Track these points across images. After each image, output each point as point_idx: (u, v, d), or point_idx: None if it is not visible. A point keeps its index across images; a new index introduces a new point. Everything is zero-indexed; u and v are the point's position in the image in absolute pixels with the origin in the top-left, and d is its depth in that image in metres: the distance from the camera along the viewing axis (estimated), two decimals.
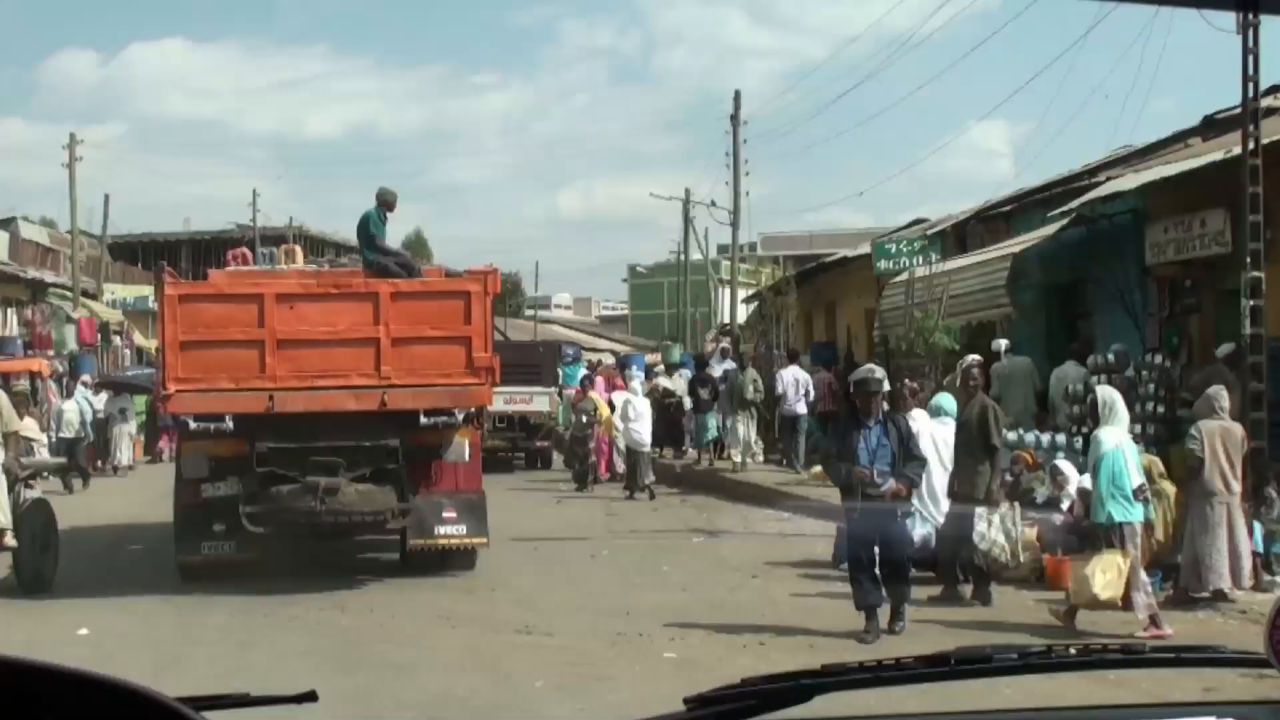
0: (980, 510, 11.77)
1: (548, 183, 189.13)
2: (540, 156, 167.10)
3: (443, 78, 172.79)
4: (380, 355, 12.63)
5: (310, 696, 2.30)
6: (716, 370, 25.09)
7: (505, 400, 23.80)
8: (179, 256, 61.72)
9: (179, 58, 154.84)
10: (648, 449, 22.07)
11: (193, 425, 12.68)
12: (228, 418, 12.52)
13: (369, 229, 13.67)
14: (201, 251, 61.08)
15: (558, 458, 27.84)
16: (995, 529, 11.85)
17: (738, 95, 40.69)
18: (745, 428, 22.83)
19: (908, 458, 10.49)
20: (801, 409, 23.03)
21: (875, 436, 10.37)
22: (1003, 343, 18.17)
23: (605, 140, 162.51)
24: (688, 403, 26.05)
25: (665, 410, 25.46)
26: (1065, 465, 13.72)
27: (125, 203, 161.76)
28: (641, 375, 28.39)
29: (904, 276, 22.63)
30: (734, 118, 40.18)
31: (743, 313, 43.34)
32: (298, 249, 16.13)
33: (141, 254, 60.40)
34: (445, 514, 13.19)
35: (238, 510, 12.48)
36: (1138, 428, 14.73)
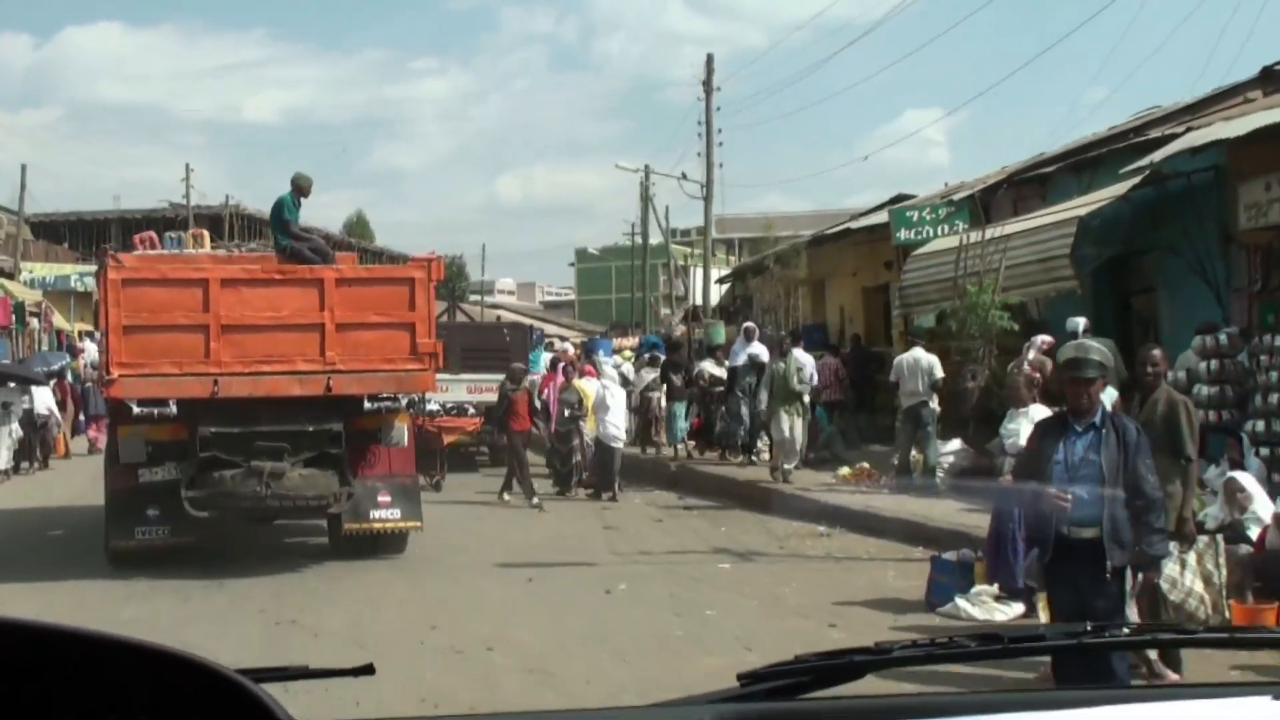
0: (1170, 547, 8.50)
1: (487, 169, 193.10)
2: (480, 142, 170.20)
3: (380, 63, 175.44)
4: (325, 341, 13.18)
5: (367, 670, 2.38)
6: (740, 356, 21.38)
7: (469, 389, 23.48)
8: (108, 236, 61.64)
9: (115, 42, 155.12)
10: (622, 444, 20.44)
11: (136, 410, 13.22)
12: (171, 402, 13.10)
13: (283, 214, 14.28)
14: (132, 231, 60.88)
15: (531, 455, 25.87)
16: (1191, 573, 9.35)
17: (710, 59, 39.72)
18: (792, 427, 19.19)
19: (1138, 501, 7.28)
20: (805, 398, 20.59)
21: (1082, 446, 7.34)
22: (1081, 321, 15.43)
23: (545, 126, 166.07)
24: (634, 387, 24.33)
25: (708, 401, 22.77)
26: (1246, 480, 11.23)
27: (61, 189, 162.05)
28: (614, 360, 27.53)
29: (935, 246, 20.59)
30: (707, 83, 39.22)
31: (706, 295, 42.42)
32: (205, 233, 16.88)
33: (69, 233, 60.33)
34: (380, 498, 13.82)
35: (173, 495, 13.00)
36: (1259, 424, 13.80)
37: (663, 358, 25.08)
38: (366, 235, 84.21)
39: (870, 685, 2.34)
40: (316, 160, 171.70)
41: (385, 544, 14.20)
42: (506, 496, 19.37)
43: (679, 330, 38.43)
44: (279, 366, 13.15)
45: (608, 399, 20.27)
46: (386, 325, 13.41)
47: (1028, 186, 21.40)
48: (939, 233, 21.30)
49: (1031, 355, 14.87)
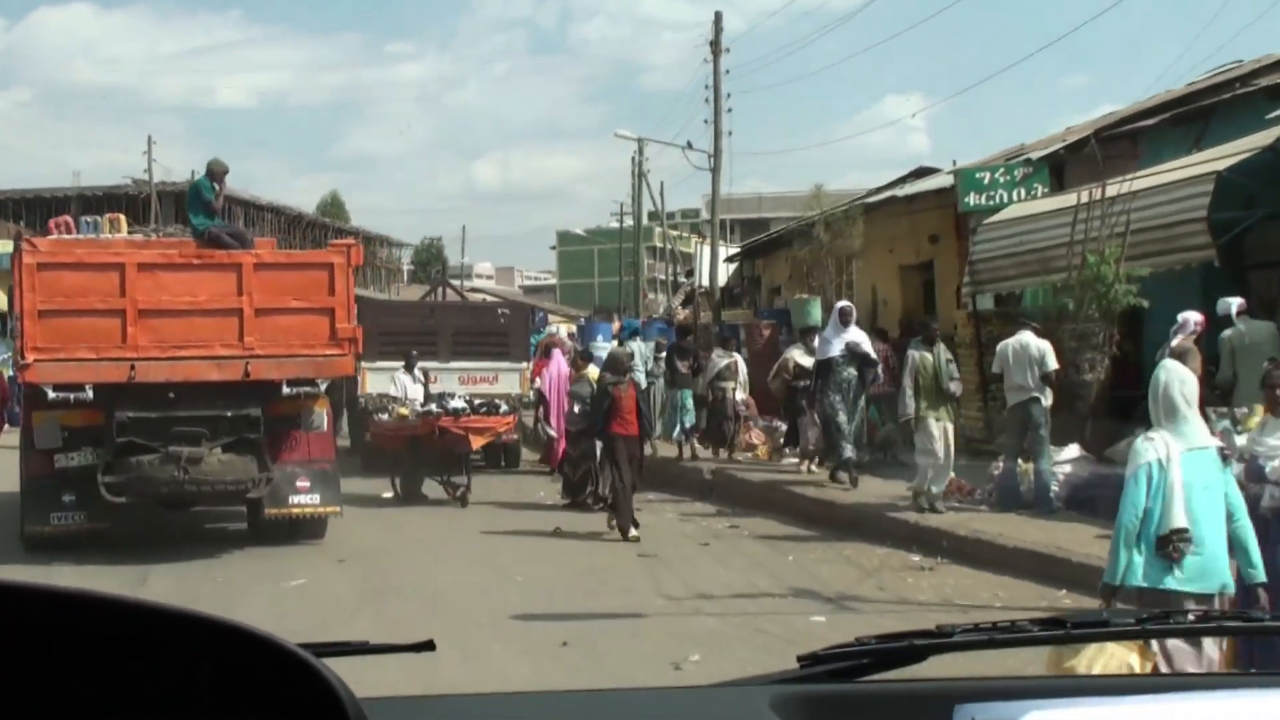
0: None
1: (464, 153, 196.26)
2: (457, 127, 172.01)
3: (356, 46, 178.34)
4: (244, 326, 13.77)
5: (428, 645, 2.43)
6: (833, 346, 16.95)
7: (460, 379, 21.98)
8: (66, 212, 62.00)
9: (87, 23, 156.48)
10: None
11: (51, 395, 13.82)
12: (88, 387, 13.65)
13: (202, 195, 14.88)
14: (93, 208, 61.51)
15: (527, 453, 23.59)
16: None
17: (718, 18, 37.67)
18: (945, 438, 15.08)
19: None
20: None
21: None
22: (1234, 302, 14.10)
23: (522, 111, 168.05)
24: (642, 378, 20.84)
25: (793, 397, 19.10)
26: None
27: (30, 171, 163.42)
28: (630, 346, 24.51)
29: (1013, 213, 18.60)
30: (714, 44, 37.33)
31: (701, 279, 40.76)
32: (122, 218, 17.35)
33: (25, 211, 60.80)
34: (299, 483, 14.41)
35: (90, 480, 13.51)
36: None
37: (646, 344, 24.30)
38: (341, 216, 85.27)
39: (931, 668, 2.40)
40: (290, 143, 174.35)
41: (304, 529, 14.81)
42: (633, 532, 15.08)
43: (681, 314, 37.93)
44: (197, 351, 13.73)
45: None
46: (305, 310, 14.01)
47: (1114, 144, 19.36)
48: (1014, 197, 19.48)
49: (1176, 341, 12.18)
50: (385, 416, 19.42)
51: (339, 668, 1.73)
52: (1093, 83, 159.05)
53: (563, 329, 33.04)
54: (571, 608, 11.34)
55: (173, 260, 14.05)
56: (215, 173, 15.23)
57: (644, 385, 21.15)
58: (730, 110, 37.10)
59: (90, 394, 13.71)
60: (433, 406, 18.84)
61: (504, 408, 19.64)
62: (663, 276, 70.56)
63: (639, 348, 23.57)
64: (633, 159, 59.21)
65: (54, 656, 1.65)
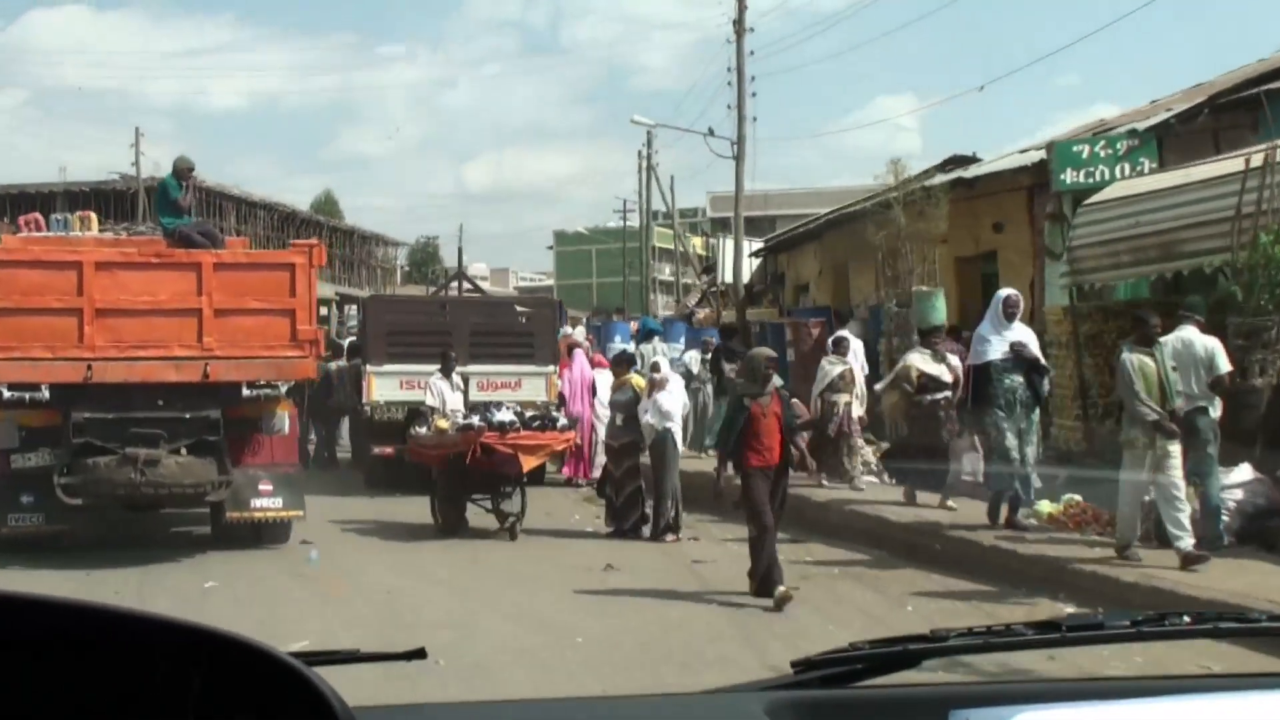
0: None
1: (456, 154, 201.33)
2: (448, 128, 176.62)
3: (348, 48, 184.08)
4: (203, 326, 14.05)
5: (419, 654, 2.51)
6: (994, 347, 13.91)
7: (479, 385, 19.66)
8: (53, 208, 62.53)
9: (80, 25, 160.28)
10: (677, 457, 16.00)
11: (6, 394, 14.13)
12: (43, 387, 13.96)
13: (169, 195, 15.26)
14: (79, 204, 61.91)
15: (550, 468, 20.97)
16: None
17: None
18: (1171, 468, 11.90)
19: None
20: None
21: None
22: None
23: (513, 112, 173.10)
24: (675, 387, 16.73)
25: (919, 418, 15.96)
26: None
27: (23, 171, 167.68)
28: (661, 347, 23.56)
29: (1119, 191, 17.00)
30: (738, 23, 35.70)
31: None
32: (93, 216, 17.60)
33: (9, 206, 61.19)
34: (262, 487, 14.67)
35: (47, 482, 13.75)
36: None
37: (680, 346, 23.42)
38: (335, 214, 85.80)
39: (926, 674, 2.43)
40: (283, 144, 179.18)
41: (268, 533, 15.08)
42: (780, 589, 11.56)
43: (701, 314, 35.63)
44: (155, 352, 14.00)
45: (660, 400, 15.77)
46: (266, 311, 14.29)
47: (1228, 114, 18.13)
48: (1117, 174, 17.95)
49: None
50: (422, 430, 16.51)
51: (331, 677, 1.79)
52: (1084, 82, 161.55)
53: (578, 330, 31.43)
54: (658, 684, 8.76)
55: (131, 259, 14.29)
56: (181, 170, 15.59)
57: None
58: (755, 95, 35.65)
59: (46, 394, 14.02)
60: (475, 419, 15.97)
61: (561, 421, 16.92)
62: (665, 277, 70.81)
63: (661, 350, 22.64)
64: (639, 152, 59.64)
65: (46, 665, 1.70)
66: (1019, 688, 2.55)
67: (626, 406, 16.14)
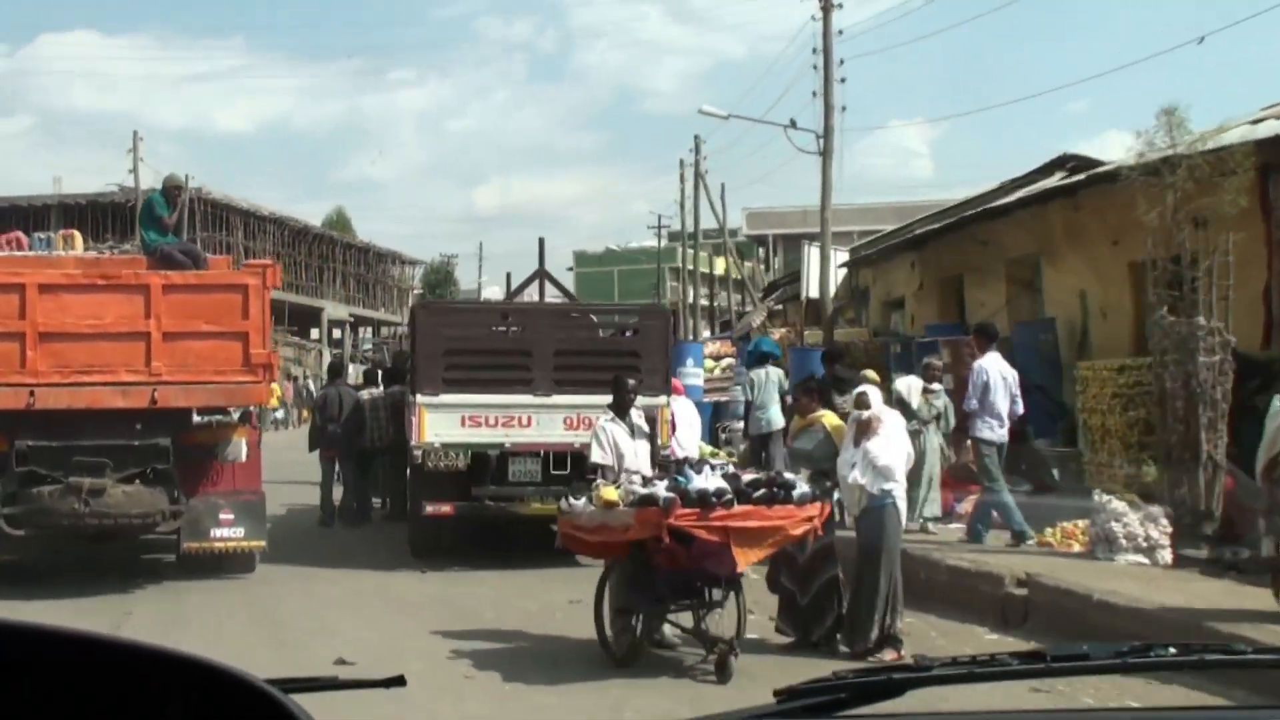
0: None
1: (465, 179, 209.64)
2: (457, 152, 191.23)
3: (358, 73, 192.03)
4: (151, 350, 14.52)
5: (399, 681, 2.63)
6: None
7: (566, 423, 16.27)
8: (47, 222, 63.48)
9: (90, 49, 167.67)
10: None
11: None
12: None
13: (154, 211, 15.83)
14: (75, 217, 62.81)
15: None
16: None
17: None
18: None
19: None
20: None
21: None
22: None
23: (521, 136, 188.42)
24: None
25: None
26: None
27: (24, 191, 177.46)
28: (781, 378, 20.94)
29: None
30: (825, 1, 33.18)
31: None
32: (76, 235, 18.13)
33: (1, 220, 62.11)
34: (222, 516, 15.13)
35: None
36: None
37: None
38: (349, 231, 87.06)
39: (910, 704, 2.52)
40: (291, 169, 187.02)
41: (230, 564, 15.55)
42: None
43: (776, 335, 32.82)
44: (101, 377, 14.48)
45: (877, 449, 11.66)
46: (217, 335, 14.76)
47: None
48: None
49: None
50: (579, 503, 11.48)
51: (308, 704, 1.87)
52: (1094, 107, 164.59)
53: None
54: None
55: (76, 281, 14.77)
56: (170, 189, 16.21)
57: (775, 426, 19.25)
58: (844, 81, 33.04)
59: None
60: (660, 487, 10.77)
61: (800, 490, 10.92)
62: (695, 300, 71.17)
63: (775, 377, 20.60)
64: (681, 160, 59.67)
65: (22, 689, 1.79)
66: (1006, 716, 2.71)
67: (817, 458, 12.19)
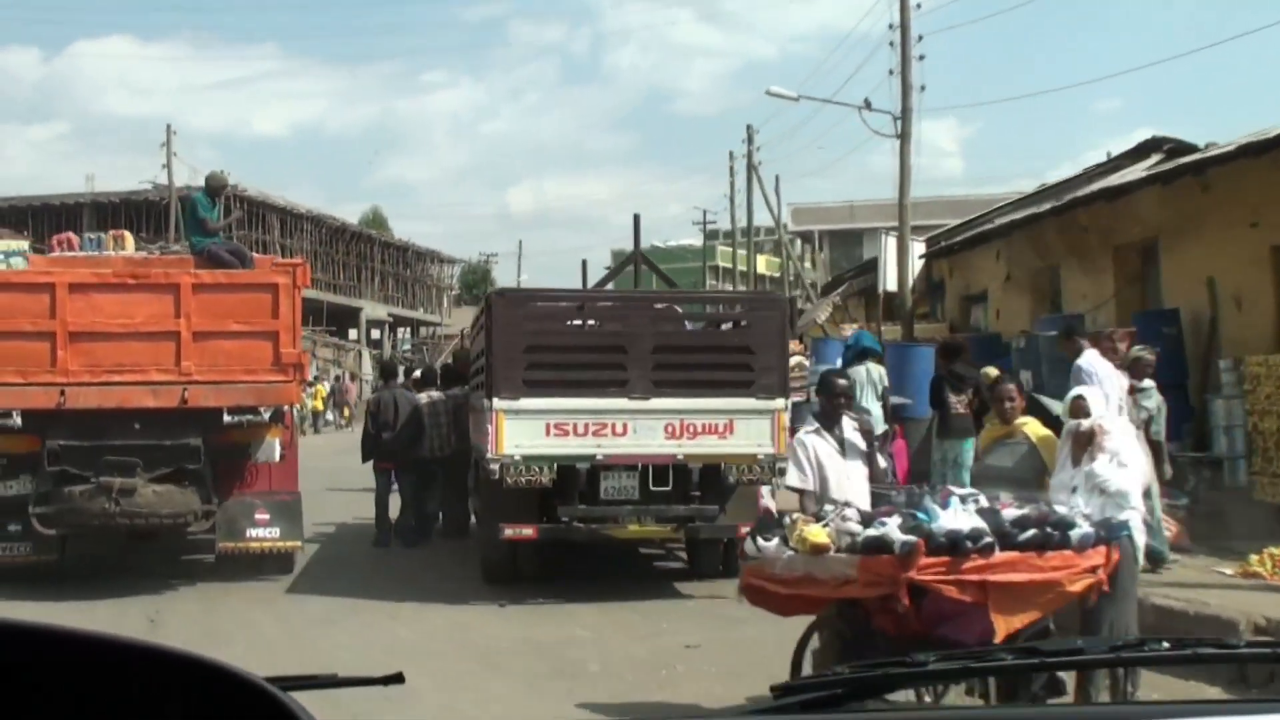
0: None
1: (498, 180, 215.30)
2: (490, 154, 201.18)
3: (391, 76, 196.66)
4: (181, 350, 14.95)
5: (397, 678, 2.72)
6: None
7: (666, 430, 14.76)
8: (79, 221, 64.29)
9: (125, 55, 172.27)
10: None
11: None
12: (15, 413, 14.87)
13: (197, 213, 16.33)
14: (107, 216, 63.56)
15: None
16: None
17: None
18: None
19: None
20: None
21: None
22: None
23: (555, 138, 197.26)
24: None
25: None
26: None
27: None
28: (883, 375, 19.44)
29: None
30: None
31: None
32: (127, 235, 18.49)
33: (31, 219, 62.96)
34: (257, 516, 15.65)
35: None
36: None
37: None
38: (386, 229, 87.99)
39: (905, 698, 2.92)
40: (326, 172, 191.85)
41: (268, 565, 16.02)
42: None
43: (847, 330, 29.97)
44: (131, 377, 14.92)
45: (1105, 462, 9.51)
46: (247, 334, 15.18)
47: None
48: None
49: None
50: (770, 543, 8.84)
51: (308, 701, 1.93)
52: (1126, 106, 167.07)
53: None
54: None
55: (106, 280, 15.21)
56: (214, 188, 16.76)
57: (879, 429, 17.16)
58: (923, 58, 31.86)
59: (18, 420, 14.92)
60: (891, 526, 8.38)
61: (1081, 531, 8.23)
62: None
63: (877, 376, 19.20)
64: (730, 157, 59.84)
65: (23, 689, 1.85)
66: (999, 713, 2.79)
67: (1021, 478, 9.94)
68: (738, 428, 14.93)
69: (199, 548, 16.07)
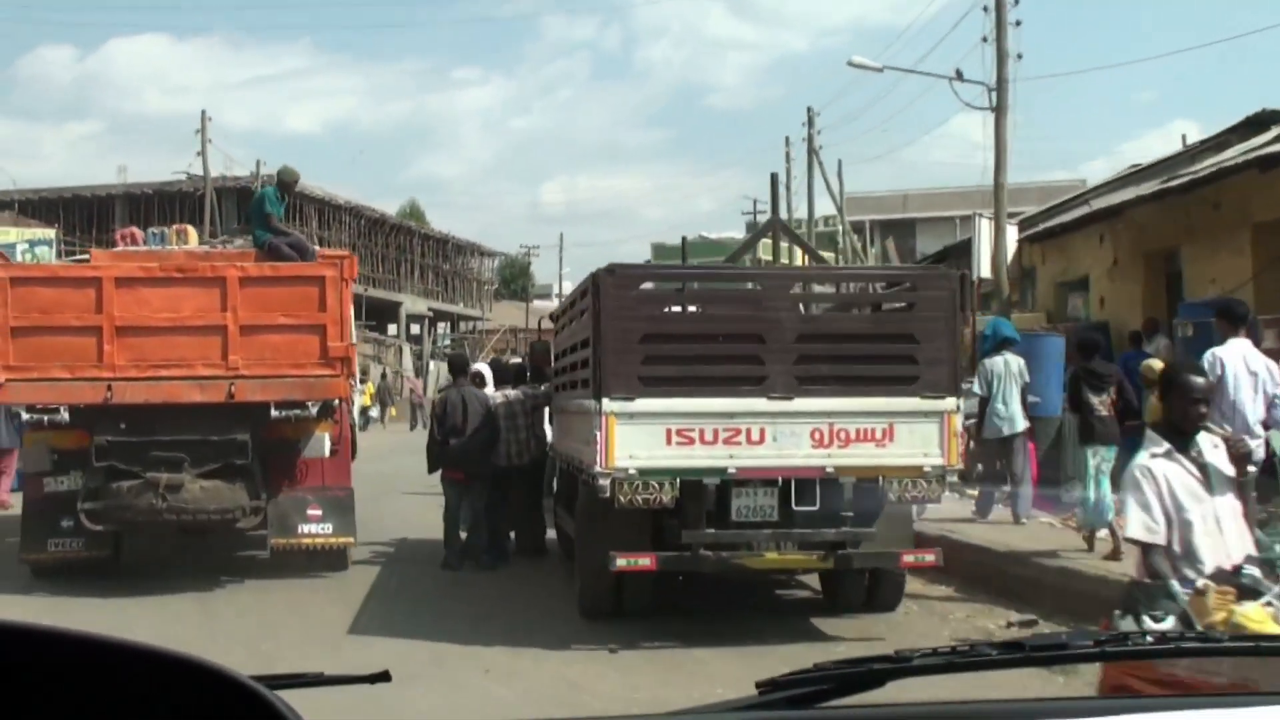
0: None
1: (530, 176, 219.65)
2: (522, 150, 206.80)
3: (422, 73, 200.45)
4: (228, 344, 15.35)
5: (384, 677, 2.77)
6: None
7: (814, 437, 12.51)
8: (111, 212, 64.99)
9: (160, 53, 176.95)
10: None
11: (25, 416, 15.63)
12: (63, 408, 15.42)
13: (264, 208, 16.81)
14: (140, 207, 64.19)
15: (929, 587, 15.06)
16: None
17: None
18: None
19: None
20: None
21: None
22: None
23: (587, 134, 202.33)
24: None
25: None
26: None
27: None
28: (1014, 365, 18.05)
29: None
30: None
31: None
32: (190, 229, 18.98)
33: (62, 211, 63.64)
34: (310, 512, 16.10)
35: None
36: None
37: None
38: (422, 221, 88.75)
39: (890, 694, 2.67)
40: (358, 168, 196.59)
41: (322, 561, 16.45)
42: None
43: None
44: (178, 371, 15.35)
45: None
46: (294, 328, 15.55)
47: None
48: None
49: None
50: (1166, 622, 6.49)
51: (294, 700, 1.96)
52: (1163, 97, 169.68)
53: None
54: None
55: (153, 274, 15.61)
56: (286, 183, 17.33)
57: (1018, 427, 17.39)
58: (1019, 23, 30.58)
59: (66, 415, 15.47)
60: None
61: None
62: None
63: (1015, 368, 18.05)
64: (785, 143, 59.59)
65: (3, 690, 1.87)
66: (985, 708, 2.70)
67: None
68: (899, 433, 12.68)
69: (252, 544, 16.43)
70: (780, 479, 12.55)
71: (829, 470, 12.47)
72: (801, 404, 12.50)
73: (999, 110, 30.04)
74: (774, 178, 21.54)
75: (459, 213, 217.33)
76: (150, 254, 17.10)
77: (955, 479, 10.75)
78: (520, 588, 16.02)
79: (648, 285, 13.93)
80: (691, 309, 14.03)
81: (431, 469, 18.04)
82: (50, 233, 51.20)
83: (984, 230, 30.17)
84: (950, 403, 12.70)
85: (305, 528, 16.15)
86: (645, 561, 12.56)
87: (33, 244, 46.13)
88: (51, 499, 15.68)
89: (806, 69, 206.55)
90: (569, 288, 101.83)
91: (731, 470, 12.44)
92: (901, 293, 14.29)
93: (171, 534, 16.18)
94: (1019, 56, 30.40)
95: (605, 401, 12.34)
